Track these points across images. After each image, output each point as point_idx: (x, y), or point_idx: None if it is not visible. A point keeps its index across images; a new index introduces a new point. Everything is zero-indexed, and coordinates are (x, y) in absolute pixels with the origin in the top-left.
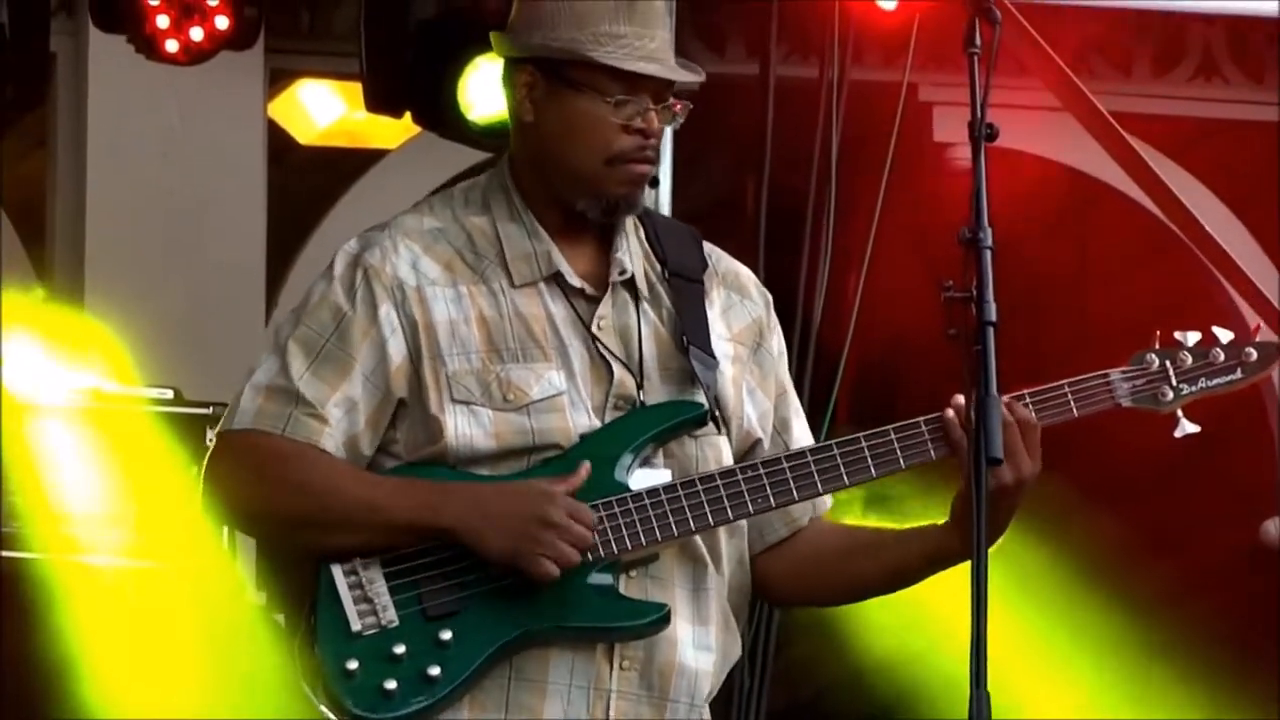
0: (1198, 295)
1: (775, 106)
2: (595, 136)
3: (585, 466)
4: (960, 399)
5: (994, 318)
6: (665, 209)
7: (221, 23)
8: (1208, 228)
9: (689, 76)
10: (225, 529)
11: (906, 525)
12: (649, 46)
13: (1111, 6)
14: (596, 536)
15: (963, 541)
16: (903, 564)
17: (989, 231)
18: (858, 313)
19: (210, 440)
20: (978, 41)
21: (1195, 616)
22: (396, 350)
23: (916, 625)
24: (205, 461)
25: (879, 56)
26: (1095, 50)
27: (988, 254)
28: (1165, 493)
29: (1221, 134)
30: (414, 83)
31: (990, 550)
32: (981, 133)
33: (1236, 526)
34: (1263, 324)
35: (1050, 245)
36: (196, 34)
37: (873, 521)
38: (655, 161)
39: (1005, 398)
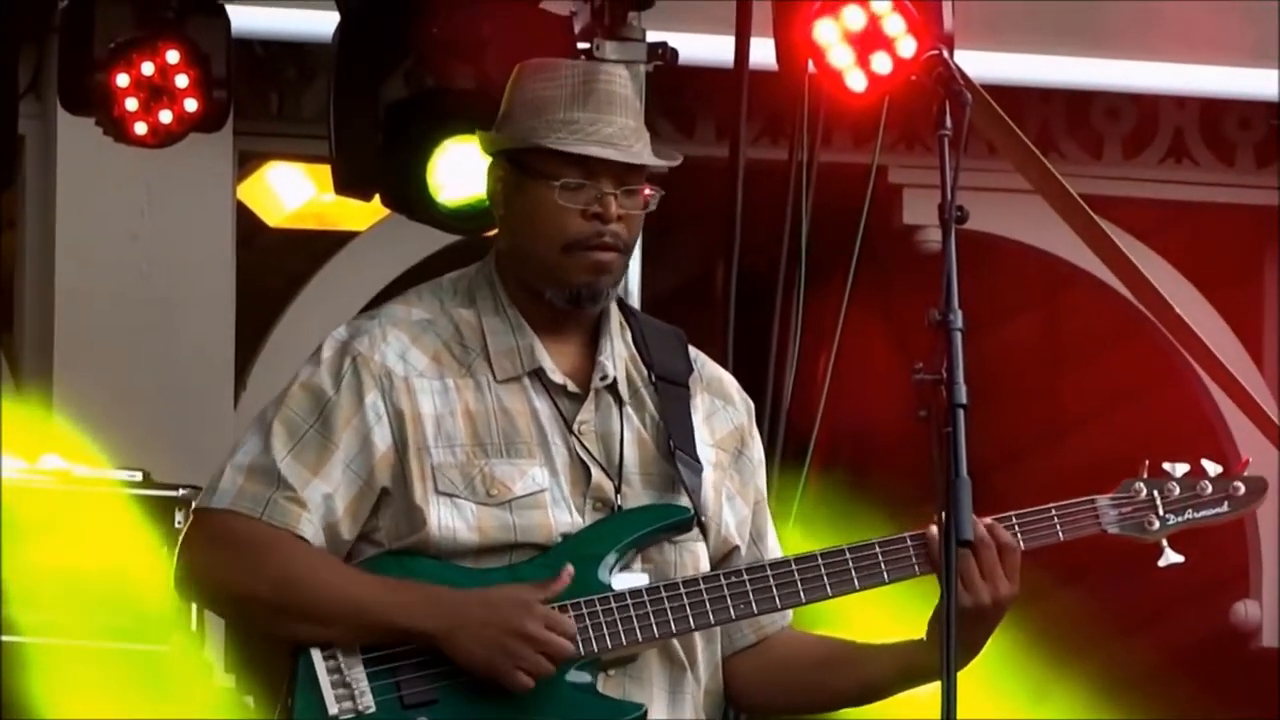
0: (1168, 377)
1: (745, 188)
2: (552, 223)
3: (568, 571)
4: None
5: (964, 400)
6: (634, 289)
7: (190, 105)
8: (1178, 310)
9: (647, 160)
10: (194, 609)
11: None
12: (604, 131)
13: (1082, 88)
14: (577, 635)
15: (938, 659)
16: (876, 679)
17: (959, 314)
18: (827, 394)
19: (180, 523)
20: (948, 124)
21: (1166, 697)
22: (381, 439)
23: (888, 709)
24: (181, 538)
25: (849, 138)
26: (1065, 132)
27: (958, 336)
28: (1136, 574)
29: (1192, 216)
30: (383, 165)
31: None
32: (952, 215)
33: (1208, 608)
34: (1250, 458)
35: (1020, 327)
36: (165, 117)
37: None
38: (618, 249)
39: (989, 519)
